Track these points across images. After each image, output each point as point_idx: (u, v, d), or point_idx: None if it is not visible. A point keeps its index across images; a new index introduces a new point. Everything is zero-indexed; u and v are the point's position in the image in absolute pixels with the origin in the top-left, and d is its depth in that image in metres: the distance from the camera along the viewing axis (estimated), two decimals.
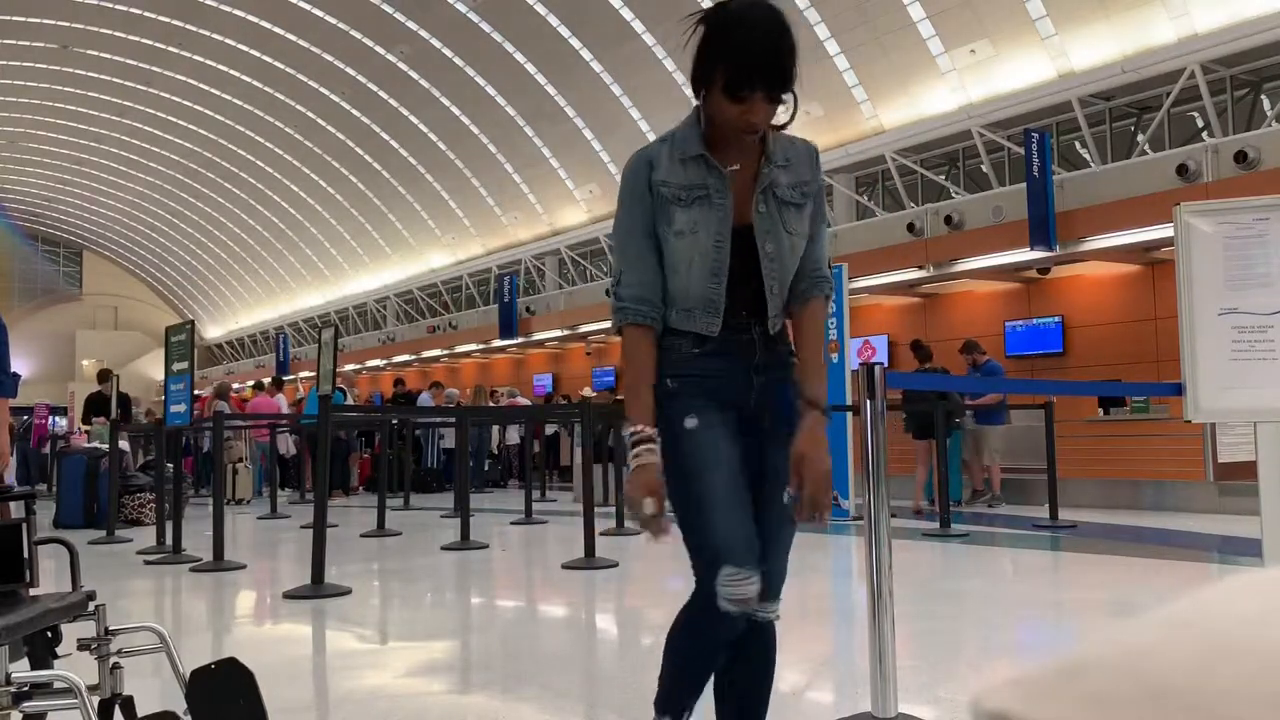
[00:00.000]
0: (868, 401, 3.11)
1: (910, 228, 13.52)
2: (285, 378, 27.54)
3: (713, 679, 2.06)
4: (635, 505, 1.84)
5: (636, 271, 1.94)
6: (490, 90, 22.45)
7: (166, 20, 25.07)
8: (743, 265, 1.92)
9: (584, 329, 19.89)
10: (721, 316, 1.92)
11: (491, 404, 15.80)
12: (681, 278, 1.92)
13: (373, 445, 14.92)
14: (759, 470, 1.97)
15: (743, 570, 1.83)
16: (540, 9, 19.52)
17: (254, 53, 25.52)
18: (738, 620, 1.87)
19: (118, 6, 24.72)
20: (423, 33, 22.13)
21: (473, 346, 23.70)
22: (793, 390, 1.97)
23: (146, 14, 24.88)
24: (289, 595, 5.55)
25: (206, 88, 27.84)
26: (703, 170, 1.91)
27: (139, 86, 28.70)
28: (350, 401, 14.77)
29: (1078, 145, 14.47)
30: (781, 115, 1.96)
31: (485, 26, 20.98)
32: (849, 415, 9.32)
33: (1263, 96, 12.88)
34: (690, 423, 1.91)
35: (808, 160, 2.01)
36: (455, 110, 23.75)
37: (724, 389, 1.94)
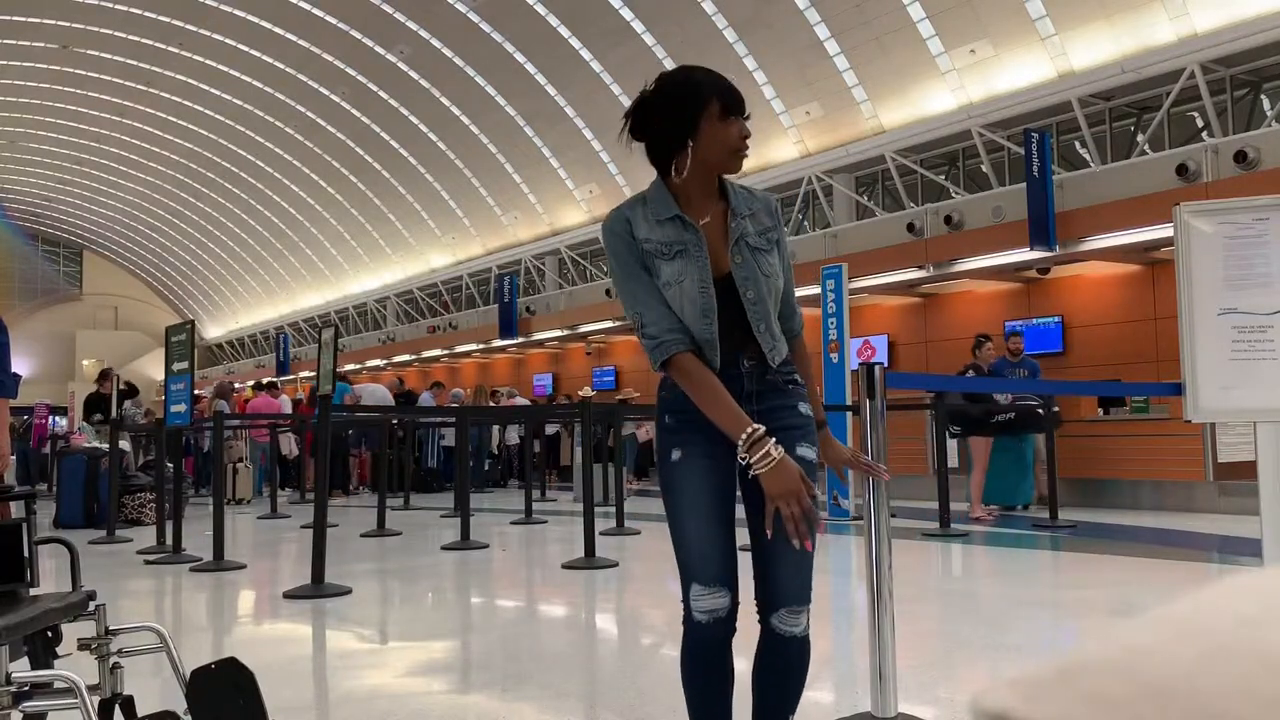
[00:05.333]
0: (868, 401, 3.11)
1: (910, 228, 13.52)
2: (285, 378, 27.59)
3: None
4: (794, 499, 1.92)
5: (654, 309, 2.07)
6: (490, 90, 22.44)
7: (166, 20, 25.07)
8: (726, 311, 2.08)
9: (584, 329, 19.89)
10: (719, 353, 2.07)
11: (492, 404, 15.81)
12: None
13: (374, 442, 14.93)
14: (757, 489, 2.04)
15: (709, 588, 2.04)
16: (540, 9, 19.52)
17: (254, 53, 25.52)
18: (711, 627, 2.05)
19: (118, 6, 24.72)
20: (423, 33, 22.13)
21: (473, 346, 23.70)
22: (792, 414, 2.15)
23: (146, 14, 24.88)
24: (289, 595, 5.55)
25: (206, 88, 27.85)
26: (679, 228, 2.08)
27: (139, 86, 28.70)
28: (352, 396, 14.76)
29: (1078, 145, 14.46)
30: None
31: (485, 27, 20.99)
32: (849, 415, 9.33)
33: (1262, 96, 12.88)
34: (675, 455, 2.11)
35: (767, 210, 2.19)
36: (455, 110, 23.75)
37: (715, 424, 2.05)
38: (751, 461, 1.94)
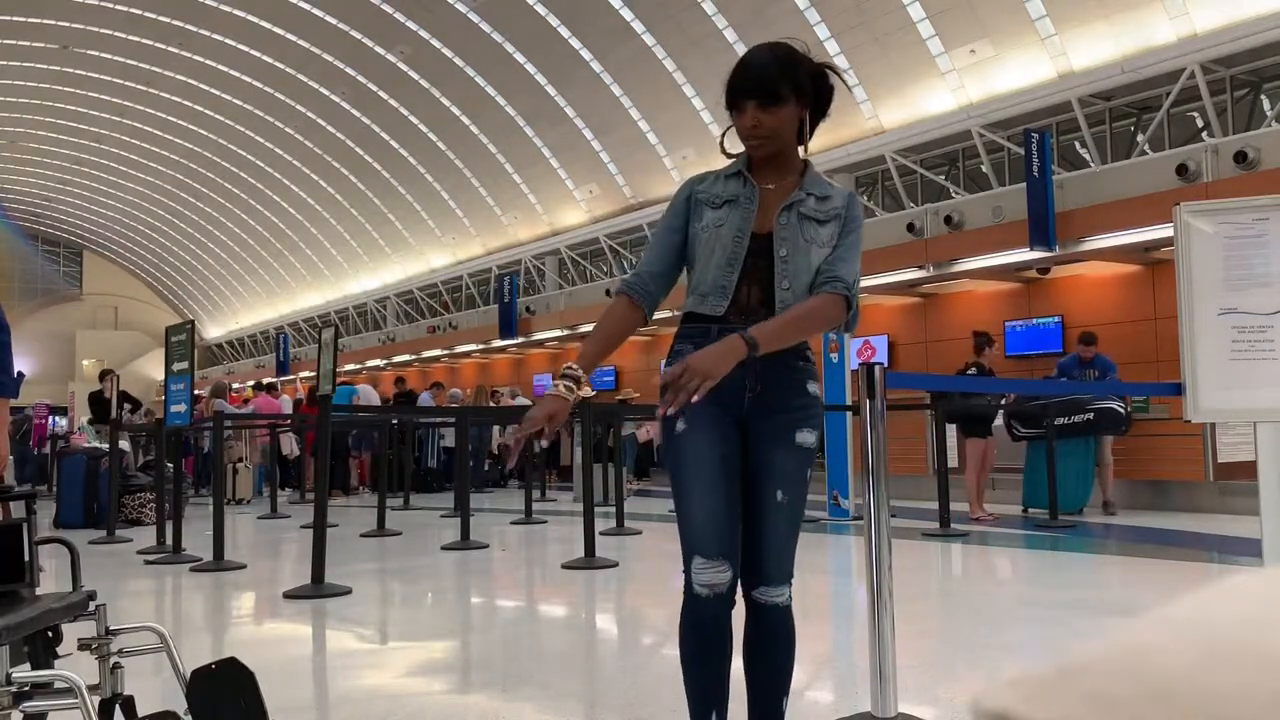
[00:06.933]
0: (868, 401, 3.11)
1: (910, 228, 13.51)
2: (285, 378, 27.59)
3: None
4: (528, 420, 2.02)
5: (648, 256, 2.23)
6: (490, 90, 22.44)
7: (166, 20, 25.08)
8: (755, 270, 2.13)
9: (584, 329, 19.87)
10: (729, 300, 2.10)
11: (493, 404, 15.80)
12: (702, 266, 2.15)
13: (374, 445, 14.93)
14: (755, 471, 2.13)
15: (711, 561, 2.06)
16: (540, 9, 19.52)
17: (254, 53, 25.52)
18: (710, 602, 2.07)
19: (118, 6, 24.73)
20: (423, 33, 22.13)
21: (473, 346, 23.70)
22: (798, 394, 2.15)
23: (146, 14, 24.88)
24: (289, 595, 5.55)
25: (206, 88, 27.85)
26: (739, 184, 2.18)
27: (139, 86, 28.70)
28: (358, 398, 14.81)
29: (1078, 145, 14.47)
30: (805, 141, 2.22)
31: (485, 27, 20.99)
32: (849, 415, 9.32)
33: (1262, 96, 12.88)
34: (680, 426, 2.12)
35: (843, 199, 2.24)
36: (455, 110, 23.75)
37: (719, 392, 2.01)
38: (551, 383, 2.05)
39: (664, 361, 2.23)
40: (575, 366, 2.06)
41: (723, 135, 2.21)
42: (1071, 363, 9.55)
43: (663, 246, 2.20)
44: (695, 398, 1.89)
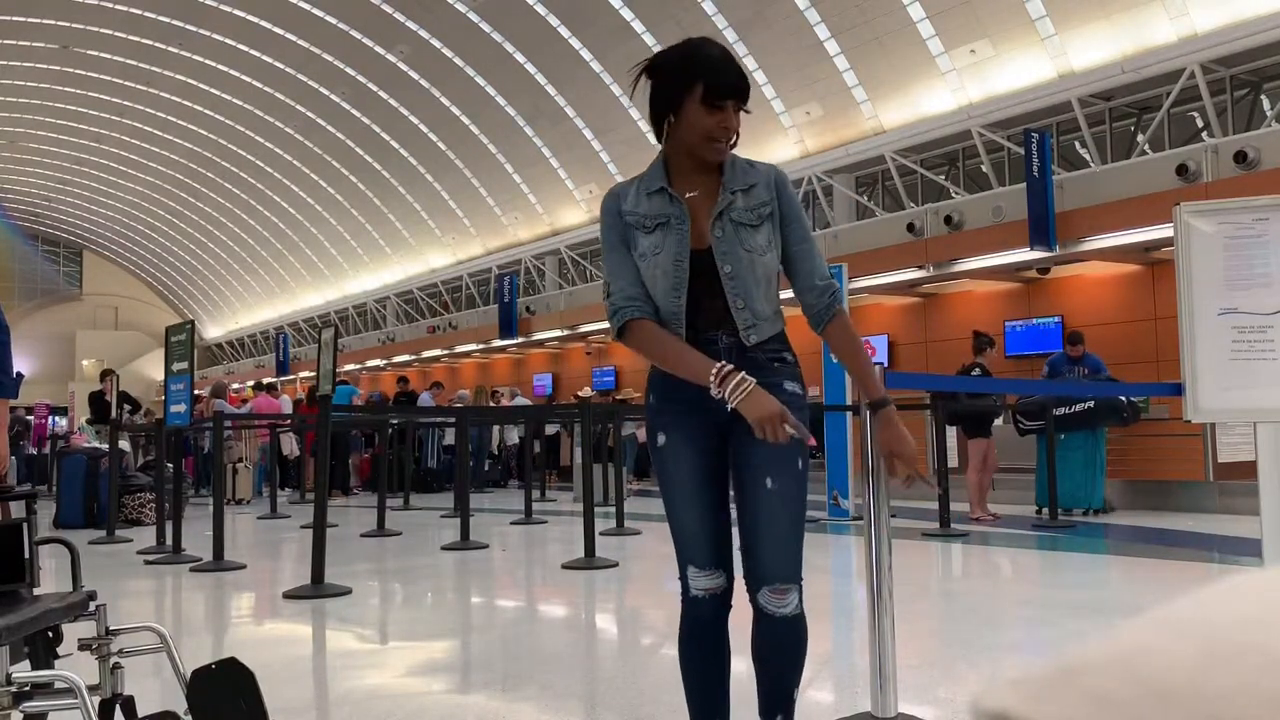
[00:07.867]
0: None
1: (910, 228, 13.51)
2: (285, 378, 27.59)
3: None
4: (773, 421, 1.92)
5: (620, 278, 2.11)
6: (490, 90, 22.44)
7: (166, 20, 25.07)
8: (709, 284, 2.08)
9: (584, 329, 19.89)
10: (684, 328, 2.08)
11: (493, 404, 15.81)
12: (650, 291, 2.10)
13: (373, 445, 14.94)
14: (740, 466, 2.12)
15: (704, 570, 2.12)
16: (540, 9, 19.53)
17: (254, 53, 25.51)
18: (707, 602, 2.12)
19: (118, 6, 24.72)
20: (423, 33, 22.13)
21: (473, 346, 23.70)
22: (775, 391, 2.09)
23: (146, 14, 24.87)
24: (289, 595, 5.55)
25: (206, 88, 27.84)
26: (664, 201, 2.09)
27: (139, 86, 28.69)
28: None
29: (1078, 145, 14.46)
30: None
31: (485, 26, 20.98)
32: (848, 415, 9.33)
33: (1263, 96, 12.88)
34: (661, 439, 2.15)
35: (768, 183, 2.12)
36: (455, 110, 23.75)
37: (696, 400, 2.05)
38: (725, 395, 1.94)
39: (651, 373, 2.17)
40: (720, 364, 1.97)
41: (666, 130, 2.07)
42: (1060, 360, 9.55)
43: (627, 263, 2.10)
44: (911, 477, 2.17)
